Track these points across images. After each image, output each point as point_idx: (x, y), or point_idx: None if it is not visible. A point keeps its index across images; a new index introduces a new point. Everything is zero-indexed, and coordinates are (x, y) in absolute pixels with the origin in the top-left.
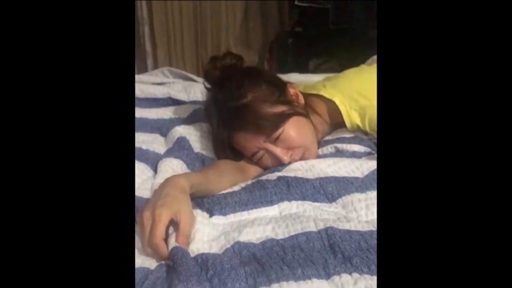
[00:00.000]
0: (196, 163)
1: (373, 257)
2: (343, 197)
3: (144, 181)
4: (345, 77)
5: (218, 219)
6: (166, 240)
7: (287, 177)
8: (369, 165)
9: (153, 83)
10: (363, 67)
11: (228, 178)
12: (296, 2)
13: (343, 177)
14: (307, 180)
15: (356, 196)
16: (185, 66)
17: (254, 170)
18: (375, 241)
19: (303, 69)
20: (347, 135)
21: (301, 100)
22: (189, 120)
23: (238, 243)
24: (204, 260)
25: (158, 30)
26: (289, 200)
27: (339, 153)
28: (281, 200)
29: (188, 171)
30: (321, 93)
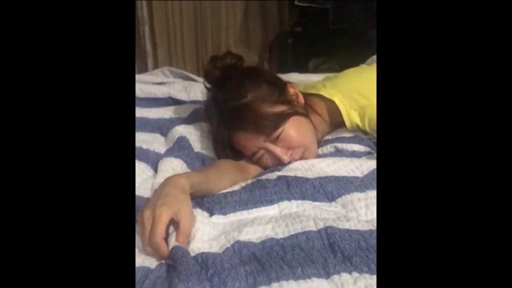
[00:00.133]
0: (196, 162)
1: (373, 256)
2: (343, 197)
3: (145, 181)
4: (345, 77)
5: (218, 219)
6: (166, 239)
7: (287, 176)
8: (369, 165)
9: (154, 83)
10: (363, 67)
11: (228, 178)
12: (296, 2)
13: (343, 177)
14: (307, 179)
15: (356, 196)
16: (185, 66)
17: (254, 169)
18: (375, 241)
19: (303, 69)
20: (347, 135)
21: (301, 99)
22: (189, 119)
23: (238, 242)
24: (204, 259)
25: (158, 30)
26: (289, 199)
27: (338, 153)
28: (281, 199)
29: (188, 170)
30: (321, 92)
